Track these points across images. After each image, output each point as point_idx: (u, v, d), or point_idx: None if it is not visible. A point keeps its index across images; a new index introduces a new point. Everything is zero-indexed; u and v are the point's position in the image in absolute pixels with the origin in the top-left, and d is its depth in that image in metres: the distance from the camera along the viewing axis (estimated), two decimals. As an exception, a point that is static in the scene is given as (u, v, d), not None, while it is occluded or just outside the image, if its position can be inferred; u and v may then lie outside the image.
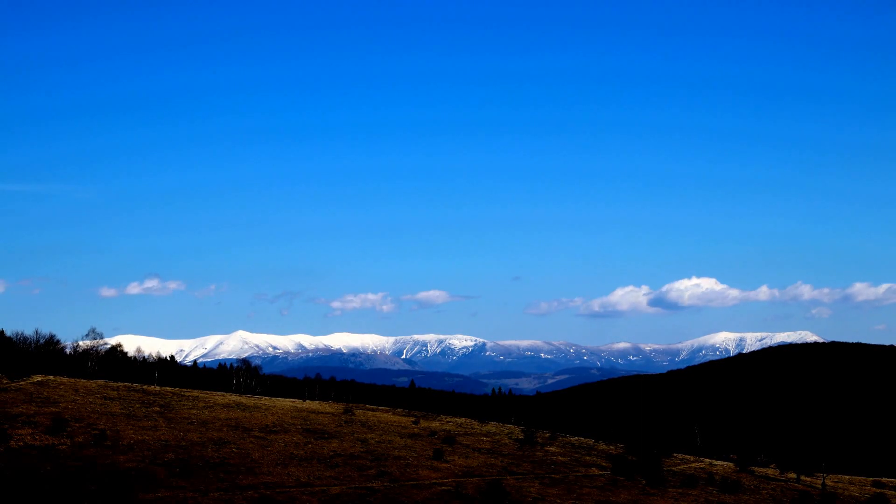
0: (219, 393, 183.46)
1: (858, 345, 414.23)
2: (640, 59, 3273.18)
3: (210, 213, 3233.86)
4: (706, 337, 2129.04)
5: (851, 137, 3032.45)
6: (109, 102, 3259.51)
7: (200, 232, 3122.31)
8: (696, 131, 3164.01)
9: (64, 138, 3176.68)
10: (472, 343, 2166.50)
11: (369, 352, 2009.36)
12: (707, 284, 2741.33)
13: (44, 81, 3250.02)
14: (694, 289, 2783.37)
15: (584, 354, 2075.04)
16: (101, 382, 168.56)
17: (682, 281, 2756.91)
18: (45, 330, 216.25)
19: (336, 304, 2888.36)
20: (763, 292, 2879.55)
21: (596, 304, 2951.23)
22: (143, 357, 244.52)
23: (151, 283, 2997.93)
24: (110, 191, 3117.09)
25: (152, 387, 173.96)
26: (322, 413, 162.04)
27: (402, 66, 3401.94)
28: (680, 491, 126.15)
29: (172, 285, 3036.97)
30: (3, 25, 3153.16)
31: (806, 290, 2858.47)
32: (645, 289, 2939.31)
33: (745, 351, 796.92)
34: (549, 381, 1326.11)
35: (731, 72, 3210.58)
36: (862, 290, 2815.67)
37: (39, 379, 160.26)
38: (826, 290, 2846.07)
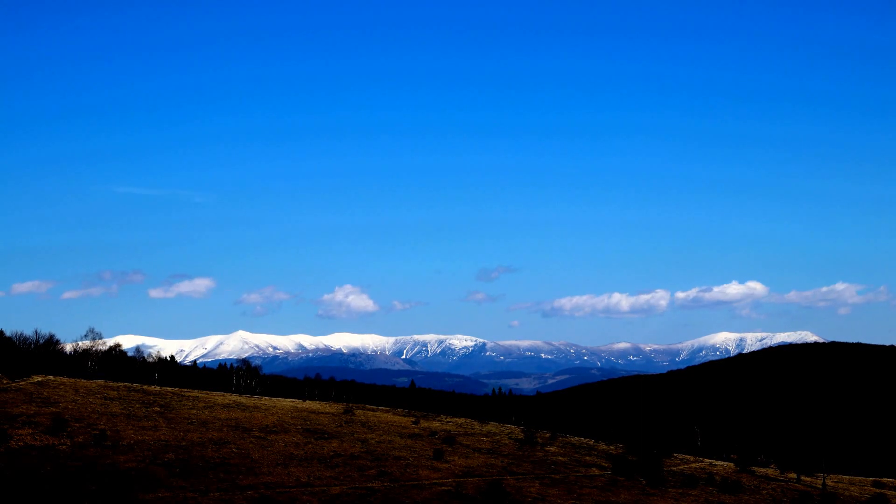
0: (219, 393, 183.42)
1: (858, 345, 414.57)
2: (639, 62, 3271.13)
3: (210, 212, 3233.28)
4: (706, 337, 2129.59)
5: (854, 141, 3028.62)
6: (105, 102, 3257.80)
7: (202, 232, 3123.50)
8: (696, 134, 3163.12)
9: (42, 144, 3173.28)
10: (473, 343, 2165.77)
11: (369, 352, 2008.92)
12: (709, 286, 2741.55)
13: (40, 82, 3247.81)
14: (694, 290, 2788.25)
15: (585, 354, 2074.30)
16: (101, 382, 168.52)
17: (682, 282, 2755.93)
18: (46, 330, 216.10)
19: (336, 304, 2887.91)
20: (765, 293, 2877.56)
21: (598, 306, 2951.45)
22: (144, 357, 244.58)
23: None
24: (110, 192, 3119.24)
25: (152, 387, 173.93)
26: (322, 413, 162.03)
27: (402, 68, 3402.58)
28: (680, 491, 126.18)
29: (172, 285, 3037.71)
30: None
31: (807, 291, 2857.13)
32: (644, 293, 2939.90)
33: (745, 351, 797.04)
34: (550, 382, 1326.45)
35: (729, 75, 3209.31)
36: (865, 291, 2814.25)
37: (39, 379, 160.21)
38: (828, 291, 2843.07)
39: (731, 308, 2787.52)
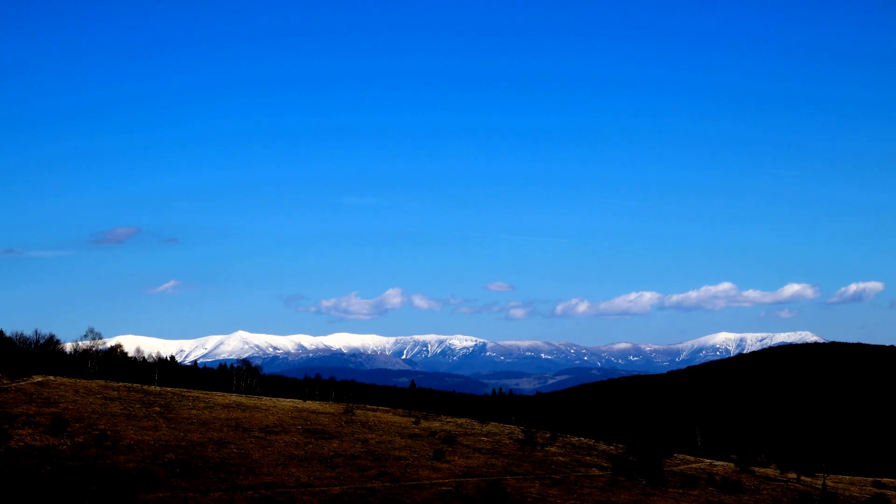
0: (219, 393, 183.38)
1: (858, 345, 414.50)
2: (639, 65, 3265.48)
3: (211, 211, 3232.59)
4: (706, 337, 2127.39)
5: (854, 144, 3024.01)
6: (108, 102, 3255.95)
7: (202, 230, 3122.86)
8: (695, 137, 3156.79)
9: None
10: (473, 343, 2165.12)
11: (370, 352, 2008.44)
12: (710, 288, 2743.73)
13: (40, 82, 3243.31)
14: (695, 291, 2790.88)
15: (585, 355, 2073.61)
16: (102, 383, 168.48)
17: (681, 284, 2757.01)
18: (45, 330, 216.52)
19: (336, 304, 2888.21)
20: (763, 293, 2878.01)
21: (597, 307, 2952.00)
22: (144, 357, 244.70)
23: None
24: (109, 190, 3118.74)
25: (152, 387, 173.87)
26: (322, 413, 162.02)
27: (401, 70, 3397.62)
28: (680, 491, 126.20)
29: (172, 285, 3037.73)
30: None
31: (808, 291, 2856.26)
32: (645, 294, 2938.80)
33: (745, 351, 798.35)
34: (550, 382, 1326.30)
35: (729, 78, 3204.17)
36: (865, 290, 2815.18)
37: (40, 379, 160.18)
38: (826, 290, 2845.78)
39: (732, 308, 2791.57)
